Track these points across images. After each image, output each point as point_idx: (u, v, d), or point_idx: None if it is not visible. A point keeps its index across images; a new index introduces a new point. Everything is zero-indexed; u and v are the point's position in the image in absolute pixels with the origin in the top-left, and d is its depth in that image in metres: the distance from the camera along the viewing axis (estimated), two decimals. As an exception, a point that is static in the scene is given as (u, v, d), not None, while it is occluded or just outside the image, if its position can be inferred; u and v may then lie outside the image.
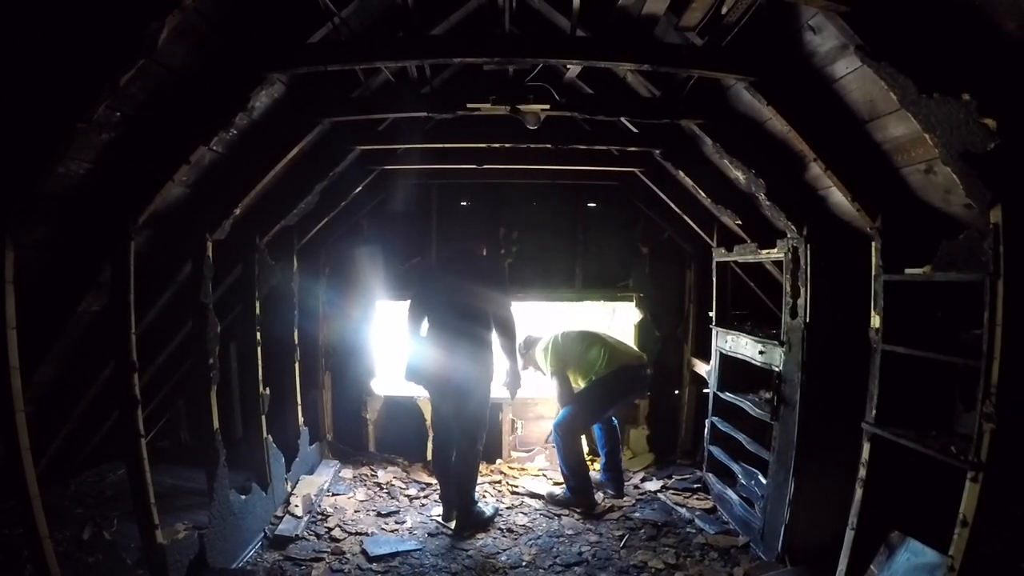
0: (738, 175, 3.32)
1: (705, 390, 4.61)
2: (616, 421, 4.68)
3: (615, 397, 4.44)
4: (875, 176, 2.54)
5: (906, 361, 2.53)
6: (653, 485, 4.69)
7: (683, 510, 4.22)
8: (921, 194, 2.45)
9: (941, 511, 2.18)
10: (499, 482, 4.80)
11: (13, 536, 2.74)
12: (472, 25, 3.56)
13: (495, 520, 4.07)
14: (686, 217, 4.62)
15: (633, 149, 4.21)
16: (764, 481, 3.58)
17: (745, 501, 3.88)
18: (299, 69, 2.66)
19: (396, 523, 4.06)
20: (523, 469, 5.10)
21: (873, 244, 2.68)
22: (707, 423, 4.48)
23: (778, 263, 3.63)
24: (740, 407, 3.95)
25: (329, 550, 3.65)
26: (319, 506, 4.22)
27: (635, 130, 3.94)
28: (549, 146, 4.09)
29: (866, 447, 2.66)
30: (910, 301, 2.58)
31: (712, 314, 4.55)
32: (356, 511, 4.21)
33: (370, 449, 5.32)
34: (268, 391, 3.97)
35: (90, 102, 1.91)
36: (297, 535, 3.74)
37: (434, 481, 4.49)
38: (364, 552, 3.63)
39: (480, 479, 4.33)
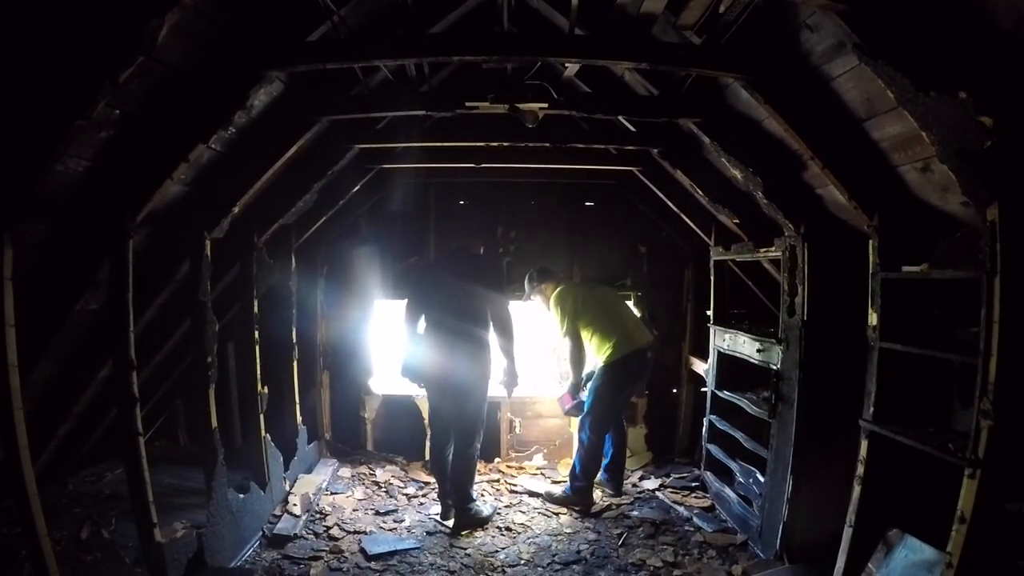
0: (736, 174, 3.33)
1: (703, 389, 4.62)
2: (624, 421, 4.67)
3: (628, 385, 4.31)
4: (872, 174, 2.54)
5: (904, 359, 2.54)
6: (651, 483, 4.69)
7: (681, 508, 4.23)
8: (918, 192, 2.46)
9: (939, 508, 2.19)
10: (497, 481, 4.80)
11: (11, 535, 2.74)
12: (471, 24, 3.56)
13: (493, 519, 4.07)
14: (684, 216, 4.63)
15: (631, 148, 4.22)
16: (762, 479, 3.59)
17: (743, 499, 3.88)
18: (298, 67, 2.66)
19: (394, 522, 4.06)
20: (521, 468, 5.10)
21: (870, 242, 2.68)
22: (705, 421, 4.48)
23: (776, 262, 3.64)
24: (738, 405, 3.96)
25: (327, 549, 3.65)
26: (317, 505, 4.22)
27: (633, 129, 3.94)
28: (547, 145, 4.10)
29: (864, 445, 2.67)
30: (907, 299, 2.59)
31: (710, 312, 4.55)
32: (354, 510, 4.21)
33: (368, 448, 5.31)
34: (266, 390, 3.96)
35: (89, 99, 1.91)
36: (295, 534, 3.74)
37: (432, 480, 4.49)
38: (362, 551, 3.62)
39: (478, 478, 4.33)
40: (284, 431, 4.45)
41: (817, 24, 2.19)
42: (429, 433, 4.51)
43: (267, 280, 4.07)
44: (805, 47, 2.34)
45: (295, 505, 4.02)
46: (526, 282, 4.59)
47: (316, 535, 3.82)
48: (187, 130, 2.55)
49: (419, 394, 4.70)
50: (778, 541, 3.30)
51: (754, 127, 3.09)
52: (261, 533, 3.71)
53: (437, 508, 4.14)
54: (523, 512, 4.24)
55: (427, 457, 4.81)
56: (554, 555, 3.63)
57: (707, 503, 4.30)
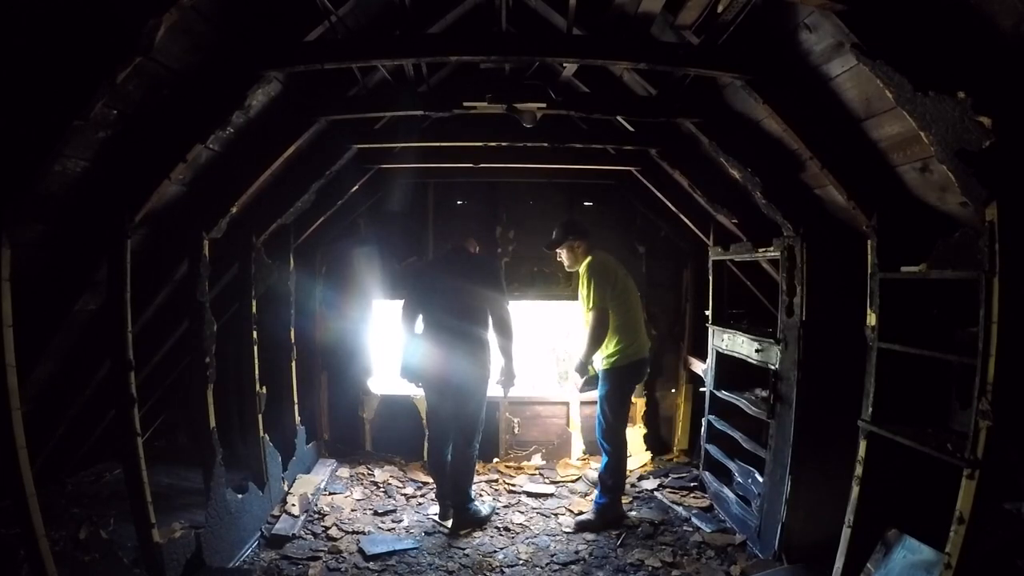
0: (734, 174, 3.33)
1: (702, 389, 4.61)
2: None
3: (633, 389, 4.15)
4: (871, 174, 2.54)
5: (902, 359, 2.54)
6: (650, 483, 4.69)
7: (680, 508, 4.23)
8: (917, 192, 2.46)
9: (937, 508, 2.19)
10: (496, 481, 4.80)
11: (9, 535, 2.73)
12: (469, 24, 3.56)
13: (492, 519, 4.07)
14: (682, 216, 4.63)
15: (629, 148, 4.22)
16: (761, 479, 3.59)
17: (742, 499, 3.88)
18: (296, 67, 2.65)
19: (393, 522, 4.06)
20: (520, 468, 5.10)
21: (869, 242, 2.68)
22: (704, 422, 4.48)
23: (774, 262, 3.64)
24: (737, 405, 3.96)
25: (326, 549, 3.65)
26: (316, 505, 4.22)
27: (631, 129, 3.94)
28: (545, 145, 4.10)
29: (862, 445, 2.67)
30: (906, 299, 2.59)
31: (709, 312, 4.55)
32: (353, 510, 4.21)
33: (367, 448, 5.31)
34: (265, 390, 3.97)
35: (87, 99, 1.91)
36: (294, 534, 3.74)
37: (430, 480, 4.49)
38: (361, 551, 3.62)
39: (477, 478, 4.33)
40: (282, 431, 4.45)
41: (815, 24, 2.19)
42: (427, 433, 4.51)
43: (265, 280, 4.07)
44: (804, 47, 2.34)
45: (293, 505, 4.02)
46: (559, 230, 4.09)
47: (314, 535, 3.82)
48: (185, 130, 2.55)
49: (417, 394, 4.70)
50: (777, 541, 3.29)
51: (753, 127, 3.09)
52: (259, 533, 3.71)
53: (435, 508, 4.14)
54: (521, 512, 4.24)
55: (426, 457, 4.81)
56: (552, 555, 3.63)
57: (706, 503, 4.30)
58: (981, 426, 1.99)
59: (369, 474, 4.85)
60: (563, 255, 4.12)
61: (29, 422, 2.22)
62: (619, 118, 3.81)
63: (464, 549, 3.70)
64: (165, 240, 3.12)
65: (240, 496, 3.52)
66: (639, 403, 5.26)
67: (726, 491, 4.11)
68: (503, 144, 4.17)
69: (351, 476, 4.79)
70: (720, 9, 2.39)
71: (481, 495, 4.44)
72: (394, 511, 4.22)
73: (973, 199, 1.95)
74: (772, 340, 3.51)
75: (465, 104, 3.15)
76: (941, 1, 1.71)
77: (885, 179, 2.51)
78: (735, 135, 3.20)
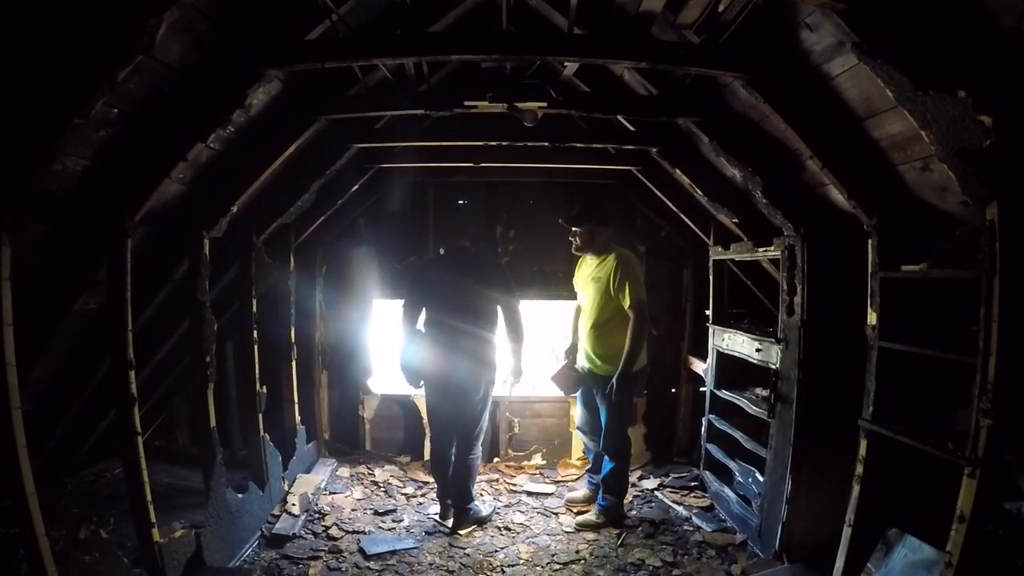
0: (735, 173, 3.33)
1: (702, 388, 4.61)
2: None
3: (637, 393, 4.13)
4: (871, 174, 2.54)
5: (903, 358, 2.54)
6: (650, 483, 4.70)
7: (680, 508, 4.23)
8: (917, 191, 2.45)
9: (938, 508, 2.19)
10: (496, 480, 4.80)
11: (9, 535, 2.73)
12: (470, 23, 3.55)
13: (492, 518, 4.07)
14: (683, 215, 4.62)
15: (630, 147, 4.21)
16: (761, 479, 3.59)
17: (742, 499, 3.89)
18: (297, 66, 2.64)
19: (393, 521, 4.06)
20: (520, 468, 5.10)
21: (869, 241, 2.68)
22: (704, 421, 4.48)
23: (775, 261, 3.64)
24: (737, 405, 3.96)
25: (326, 548, 3.65)
26: (316, 505, 4.22)
27: (632, 128, 3.94)
28: (546, 144, 4.09)
29: (863, 444, 2.67)
30: (907, 298, 2.59)
31: (709, 312, 4.56)
32: (353, 510, 4.21)
33: (367, 448, 5.31)
34: (265, 390, 3.96)
35: (87, 98, 1.90)
36: (294, 534, 3.74)
37: (431, 479, 4.49)
38: (361, 550, 3.62)
39: (477, 477, 4.32)
40: (283, 431, 4.45)
41: (816, 23, 2.19)
42: (429, 433, 4.51)
43: (266, 280, 4.07)
44: (804, 46, 2.34)
45: (294, 505, 4.02)
46: (580, 208, 3.96)
47: (315, 535, 3.82)
48: (186, 129, 2.54)
49: (418, 394, 4.70)
50: (777, 540, 3.30)
51: (753, 126, 3.09)
52: (260, 533, 3.71)
53: (436, 508, 4.14)
54: (522, 512, 4.24)
55: (426, 457, 4.81)
56: (553, 555, 3.63)
57: (706, 503, 4.30)
58: (982, 425, 1.99)
59: (369, 474, 4.85)
60: (577, 236, 3.91)
61: (29, 421, 2.22)
62: (619, 117, 3.81)
63: (464, 549, 3.70)
64: (165, 239, 3.12)
65: (240, 496, 3.52)
66: (639, 403, 5.25)
67: (727, 490, 4.11)
68: (503, 143, 4.16)
69: (351, 476, 4.79)
70: (721, 8, 2.40)
71: (482, 495, 4.44)
72: (394, 511, 4.22)
73: (974, 198, 1.95)
74: (772, 339, 3.51)
75: (466, 103, 3.14)
76: (942, 0, 1.71)
77: (886, 178, 2.51)
78: (736, 135, 3.19)
